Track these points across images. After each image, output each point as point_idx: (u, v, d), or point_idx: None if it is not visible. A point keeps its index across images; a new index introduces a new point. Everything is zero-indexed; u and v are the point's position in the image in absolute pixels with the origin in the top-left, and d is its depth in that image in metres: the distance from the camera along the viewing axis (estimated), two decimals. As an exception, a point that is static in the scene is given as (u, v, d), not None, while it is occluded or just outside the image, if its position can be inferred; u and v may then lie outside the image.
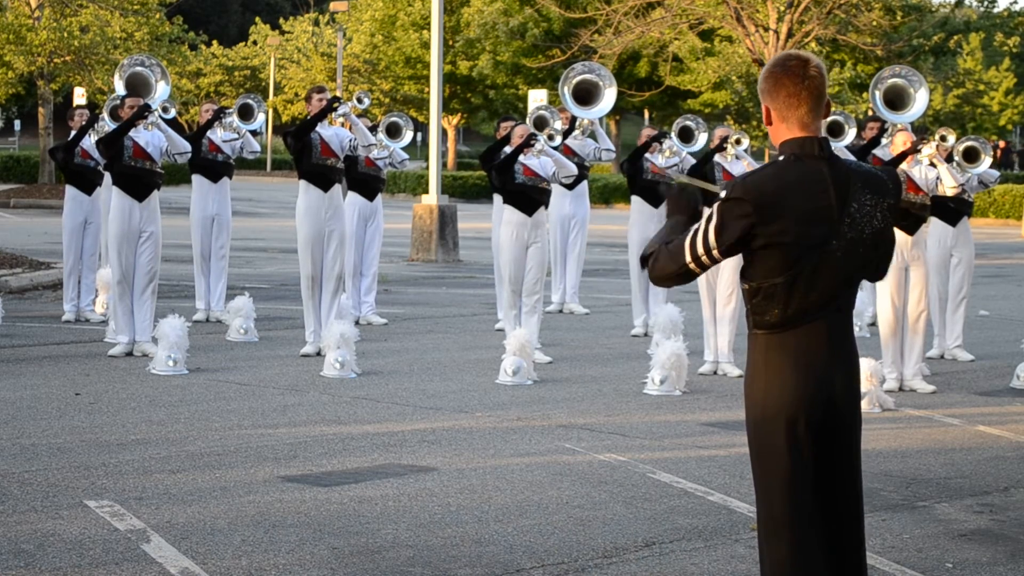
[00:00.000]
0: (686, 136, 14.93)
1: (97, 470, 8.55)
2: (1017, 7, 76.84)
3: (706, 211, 4.67)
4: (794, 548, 4.61)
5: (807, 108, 4.64)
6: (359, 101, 14.08)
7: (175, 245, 21.45)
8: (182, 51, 44.60)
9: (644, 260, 4.82)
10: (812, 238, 4.57)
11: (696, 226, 4.67)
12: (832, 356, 4.66)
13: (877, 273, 4.82)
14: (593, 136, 16.78)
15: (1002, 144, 71.11)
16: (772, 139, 4.75)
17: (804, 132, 4.65)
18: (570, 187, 16.76)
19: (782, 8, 35.07)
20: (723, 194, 4.62)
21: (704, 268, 4.67)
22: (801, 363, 4.61)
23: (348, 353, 12.26)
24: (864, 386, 11.15)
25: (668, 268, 4.72)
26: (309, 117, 13.53)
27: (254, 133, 18.04)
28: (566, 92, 16.40)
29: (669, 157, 15.22)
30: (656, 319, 14.02)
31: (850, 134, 16.21)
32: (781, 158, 4.67)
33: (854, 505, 4.68)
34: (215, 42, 72.37)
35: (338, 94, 14.30)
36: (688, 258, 4.66)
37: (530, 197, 13.41)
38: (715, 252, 4.62)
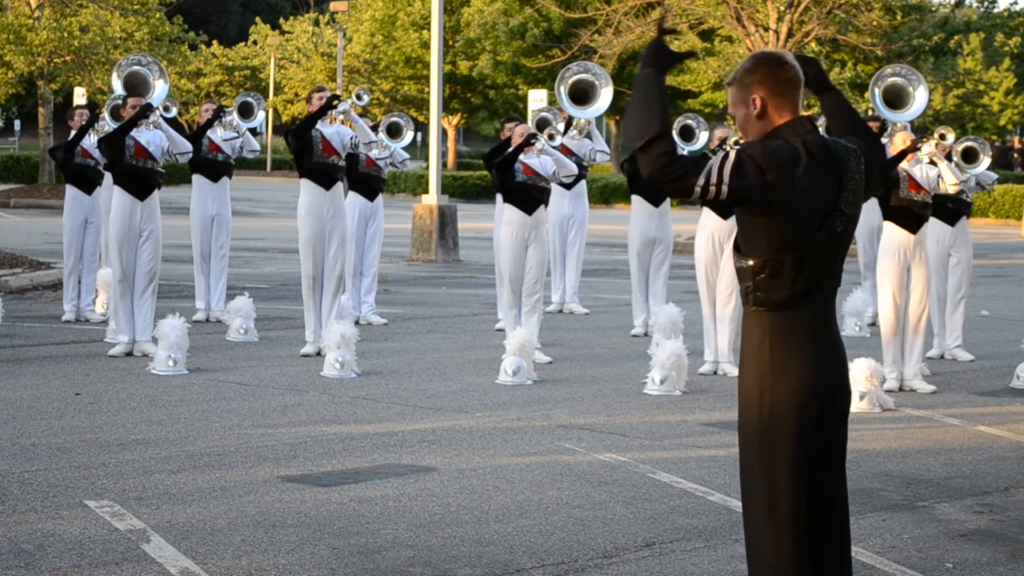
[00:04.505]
0: (687, 135, 14.93)
1: (97, 470, 8.55)
2: (1017, 7, 76.86)
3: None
4: (798, 534, 4.60)
5: (799, 92, 4.72)
6: (358, 98, 14.08)
7: (175, 245, 21.44)
8: (182, 51, 44.59)
9: (644, 148, 4.53)
10: (819, 213, 4.58)
11: (714, 159, 4.58)
12: (834, 336, 4.67)
13: None
14: (589, 136, 16.78)
15: (1009, 142, 71.06)
16: (754, 134, 4.72)
17: (795, 116, 4.69)
18: (568, 187, 16.75)
19: (782, 8, 35.06)
20: (743, 142, 4.62)
21: (702, 197, 4.56)
22: (808, 344, 4.58)
23: (348, 353, 12.25)
24: (864, 386, 11.15)
25: (673, 171, 4.53)
26: (309, 115, 13.54)
27: (253, 132, 18.04)
28: (562, 92, 16.38)
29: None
30: (656, 319, 14.02)
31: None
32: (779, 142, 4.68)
33: (845, 491, 4.71)
34: (215, 42, 72.32)
35: (338, 93, 14.26)
36: (700, 180, 4.54)
37: (530, 196, 13.41)
38: (724, 187, 4.53)
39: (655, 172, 4.54)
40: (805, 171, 4.57)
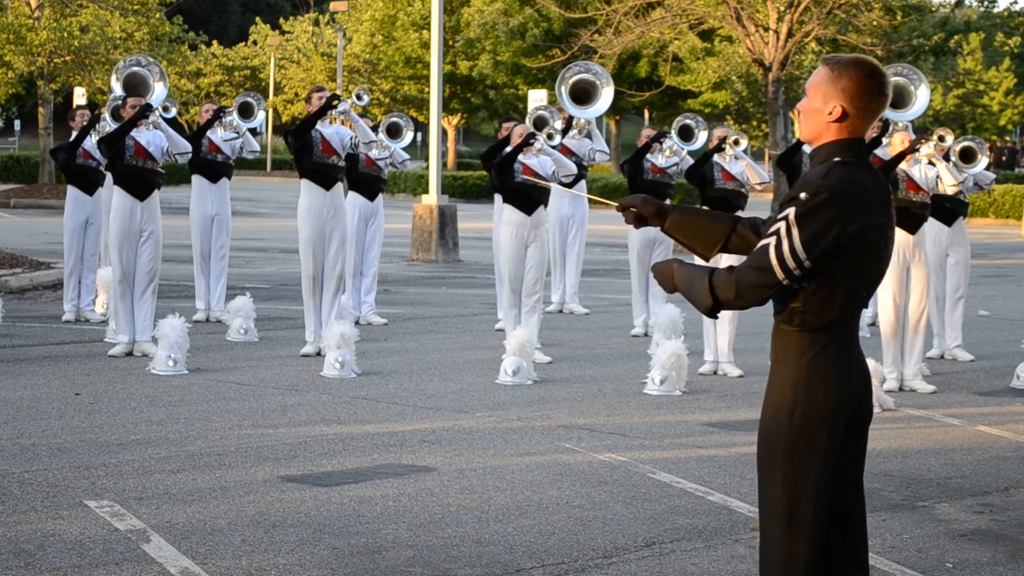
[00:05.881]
0: (686, 135, 14.93)
1: (97, 470, 8.55)
2: (1017, 7, 76.88)
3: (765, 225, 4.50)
4: (815, 544, 4.59)
5: (876, 119, 4.67)
6: (358, 98, 14.09)
7: (175, 245, 21.45)
8: (182, 51, 44.60)
9: (715, 298, 4.59)
10: (875, 240, 4.58)
11: (772, 239, 4.50)
12: (860, 350, 4.69)
13: None
14: (589, 136, 16.78)
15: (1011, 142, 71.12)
16: (814, 133, 4.62)
17: (860, 137, 4.64)
18: (568, 187, 16.74)
19: (782, 8, 35.08)
20: (803, 196, 4.48)
21: (795, 281, 4.53)
22: (843, 362, 4.60)
23: (348, 353, 12.25)
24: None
25: (760, 292, 4.54)
26: (309, 115, 13.54)
27: (253, 132, 18.04)
28: (563, 92, 16.39)
29: (669, 156, 15.22)
30: (656, 319, 14.01)
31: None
32: (837, 159, 4.58)
33: (863, 500, 4.72)
34: (215, 42, 72.37)
35: (338, 93, 14.30)
36: (781, 275, 4.50)
37: (529, 196, 13.41)
38: (807, 263, 4.48)
39: (750, 304, 4.60)
40: (867, 198, 4.55)
